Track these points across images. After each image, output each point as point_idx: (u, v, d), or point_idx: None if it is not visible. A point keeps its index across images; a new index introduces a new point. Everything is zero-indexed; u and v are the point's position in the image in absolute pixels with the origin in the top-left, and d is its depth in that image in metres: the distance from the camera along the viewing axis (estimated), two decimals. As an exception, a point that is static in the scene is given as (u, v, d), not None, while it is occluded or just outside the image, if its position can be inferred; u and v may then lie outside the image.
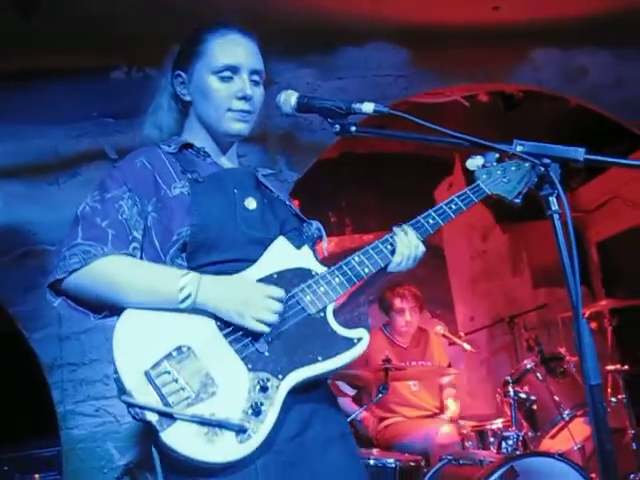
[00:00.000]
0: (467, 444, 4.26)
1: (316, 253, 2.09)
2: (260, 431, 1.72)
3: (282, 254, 1.98)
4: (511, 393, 4.18)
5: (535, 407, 4.29)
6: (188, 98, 2.12)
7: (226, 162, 2.16)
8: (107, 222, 1.90)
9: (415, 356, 5.02)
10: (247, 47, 2.10)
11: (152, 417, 1.69)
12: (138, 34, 4.31)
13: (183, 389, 1.73)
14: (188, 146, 2.10)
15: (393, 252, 2.02)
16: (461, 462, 3.85)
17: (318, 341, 1.88)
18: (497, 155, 2.13)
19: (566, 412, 4.19)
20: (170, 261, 1.91)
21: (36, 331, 4.37)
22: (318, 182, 5.67)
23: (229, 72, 2.04)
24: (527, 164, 2.06)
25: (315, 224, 2.13)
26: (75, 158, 4.55)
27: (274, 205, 2.10)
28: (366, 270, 1.98)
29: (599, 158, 1.69)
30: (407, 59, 5.13)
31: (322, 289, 1.93)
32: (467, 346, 5.27)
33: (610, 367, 4.96)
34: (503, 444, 4.01)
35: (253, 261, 1.93)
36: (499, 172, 2.12)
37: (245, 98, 2.05)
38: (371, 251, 2.01)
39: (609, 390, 4.97)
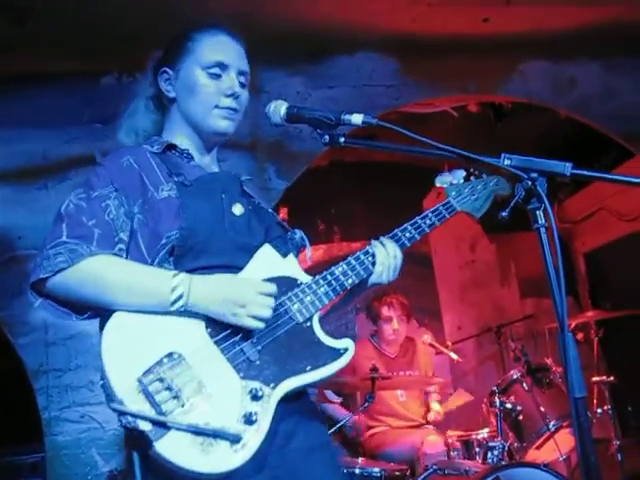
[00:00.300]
0: (453, 454, 4.26)
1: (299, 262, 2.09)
2: (254, 441, 1.70)
3: (268, 261, 1.97)
4: (497, 403, 4.20)
5: (521, 417, 4.29)
6: (173, 95, 2.10)
7: (209, 164, 2.15)
8: (94, 221, 1.85)
9: (402, 366, 5.02)
10: (236, 49, 2.11)
11: (145, 426, 1.63)
12: (129, 40, 4.30)
13: (176, 397, 1.69)
14: (172, 147, 2.07)
15: (374, 263, 2.05)
16: (446, 472, 3.85)
17: (306, 351, 1.88)
18: (464, 173, 2.26)
19: (552, 423, 4.20)
20: (158, 265, 1.87)
21: (22, 336, 4.34)
22: (307, 190, 5.67)
23: (218, 69, 2.04)
24: (492, 182, 2.25)
25: (299, 233, 2.13)
26: (64, 163, 4.53)
27: (258, 211, 2.10)
28: (349, 281, 2.01)
29: (586, 173, 1.70)
30: (398, 69, 5.15)
31: (308, 298, 1.94)
32: (454, 355, 5.28)
33: (596, 378, 4.98)
34: (489, 454, 4.02)
35: (239, 268, 1.92)
36: (467, 190, 2.24)
37: (233, 95, 2.05)
38: (354, 262, 2.03)
39: (595, 401, 4.99)
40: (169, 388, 1.69)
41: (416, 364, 5.09)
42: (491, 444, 4.05)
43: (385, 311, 5.01)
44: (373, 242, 2.09)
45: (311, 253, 2.15)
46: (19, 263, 4.34)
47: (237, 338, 1.82)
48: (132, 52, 4.36)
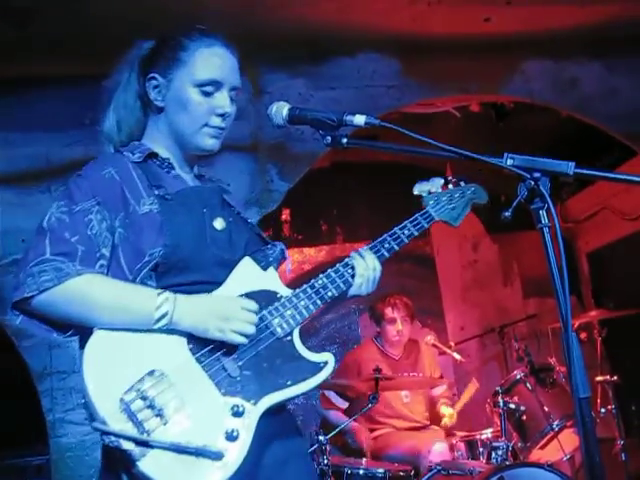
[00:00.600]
0: (456, 454, 4.26)
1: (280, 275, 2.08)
2: (236, 457, 1.71)
3: (249, 275, 1.97)
4: (501, 403, 4.19)
5: (525, 417, 4.30)
6: (161, 105, 2.05)
7: (189, 175, 2.12)
8: (76, 237, 1.82)
9: (407, 368, 5.01)
10: (231, 62, 2.06)
11: (129, 446, 1.62)
12: (130, 42, 4.30)
13: (159, 415, 1.69)
14: (153, 155, 2.04)
15: (354, 276, 2.05)
16: (450, 472, 3.85)
17: (287, 365, 1.88)
18: (442, 181, 2.28)
19: (555, 422, 4.20)
20: (140, 282, 1.85)
21: (26, 339, 4.35)
22: (309, 191, 5.68)
23: (212, 87, 2.00)
24: (470, 191, 2.30)
25: (279, 246, 2.11)
26: (67, 165, 4.53)
27: (238, 224, 2.08)
28: (329, 294, 2.00)
29: (589, 172, 1.69)
30: (399, 70, 5.15)
31: (289, 312, 1.94)
32: (457, 356, 5.26)
33: (599, 378, 4.97)
34: (492, 454, 4.01)
35: (220, 283, 1.92)
36: (445, 199, 2.25)
37: (224, 116, 2.03)
38: (333, 274, 2.03)
39: (598, 401, 4.99)
40: (151, 406, 1.69)
41: (420, 366, 5.08)
42: (495, 444, 4.04)
43: (389, 312, 4.99)
44: (352, 254, 2.09)
45: (291, 266, 2.15)
46: (22, 266, 4.33)
47: (219, 354, 1.82)
48: (134, 54, 4.40)
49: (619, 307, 5.52)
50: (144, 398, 1.69)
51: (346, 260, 2.07)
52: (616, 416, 4.84)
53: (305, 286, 1.98)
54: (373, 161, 6.59)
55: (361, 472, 3.84)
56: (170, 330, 1.81)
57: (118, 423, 1.65)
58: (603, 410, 4.74)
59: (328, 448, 3.78)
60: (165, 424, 1.69)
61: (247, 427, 1.75)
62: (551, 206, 1.61)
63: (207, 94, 2.00)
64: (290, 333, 1.93)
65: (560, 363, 4.49)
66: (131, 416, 1.67)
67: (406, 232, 2.14)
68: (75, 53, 4.40)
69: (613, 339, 5.52)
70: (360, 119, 1.85)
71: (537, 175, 1.63)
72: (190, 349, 1.81)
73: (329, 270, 2.04)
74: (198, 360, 1.81)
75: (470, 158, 1.75)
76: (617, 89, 5.43)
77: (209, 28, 2.10)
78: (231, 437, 1.72)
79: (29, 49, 4.31)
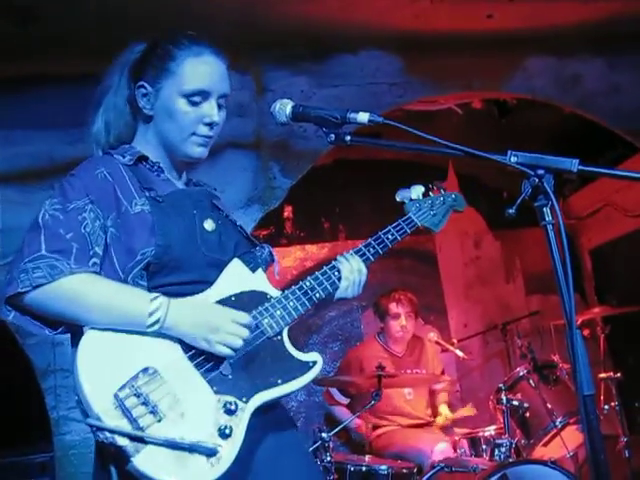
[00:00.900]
0: (459, 451, 4.26)
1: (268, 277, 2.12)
2: (229, 454, 1.74)
3: (238, 276, 2.00)
4: (504, 400, 4.19)
5: (528, 414, 4.30)
6: (150, 113, 2.07)
7: (178, 179, 2.15)
8: (71, 235, 1.84)
9: (410, 365, 5.01)
10: (219, 71, 2.08)
11: (123, 442, 1.64)
12: (131, 40, 4.30)
13: (153, 412, 1.71)
14: (143, 159, 2.06)
15: (340, 278, 2.10)
16: (454, 469, 3.85)
17: (277, 364, 1.93)
18: (424, 188, 2.36)
19: (559, 419, 4.20)
20: (132, 281, 1.87)
21: (29, 336, 4.34)
22: (312, 189, 5.67)
23: (199, 97, 2.02)
24: (450, 198, 2.38)
25: (267, 248, 2.15)
26: (69, 164, 4.46)
27: (227, 226, 2.11)
28: (317, 295, 2.05)
29: (593, 169, 1.69)
30: (401, 67, 5.14)
31: (279, 313, 1.97)
32: (460, 353, 5.27)
33: (603, 375, 4.97)
34: (496, 451, 4.01)
35: (211, 283, 1.95)
36: (426, 205, 2.33)
37: (211, 125, 2.05)
38: (321, 277, 2.08)
39: (602, 398, 4.98)
40: (145, 403, 1.71)
41: (423, 362, 5.08)
42: (498, 441, 4.05)
43: (393, 308, 4.99)
44: (338, 257, 2.15)
45: (278, 268, 2.17)
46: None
47: (210, 353, 1.85)
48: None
49: (622, 304, 5.52)
50: (138, 395, 1.71)
51: (332, 263, 2.12)
52: (619, 413, 4.84)
53: (293, 287, 2.03)
54: (376, 158, 6.58)
55: (364, 469, 3.85)
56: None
57: (113, 419, 1.67)
58: (607, 407, 4.74)
59: (331, 445, 3.78)
60: (159, 421, 1.71)
61: (239, 424, 1.79)
62: (555, 203, 1.61)
63: (195, 104, 2.03)
64: (280, 333, 1.97)
65: (563, 360, 4.50)
66: (125, 412, 1.68)
67: (390, 237, 2.22)
68: (76, 51, 4.39)
69: (616, 336, 5.52)
70: (363, 117, 1.86)
71: (541, 172, 1.63)
72: (182, 347, 1.85)
73: (316, 272, 2.09)
74: (190, 358, 1.84)
75: (474, 156, 1.75)
76: (620, 86, 5.42)
77: (195, 34, 2.10)
78: (224, 434, 1.75)
79: (30, 47, 4.31)
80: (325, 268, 2.10)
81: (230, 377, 1.84)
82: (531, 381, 4.38)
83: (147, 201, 1.94)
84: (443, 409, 5.00)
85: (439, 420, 4.87)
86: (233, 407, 1.79)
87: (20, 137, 4.57)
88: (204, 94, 2.03)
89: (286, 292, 2.02)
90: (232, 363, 1.86)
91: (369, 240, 2.21)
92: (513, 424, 4.26)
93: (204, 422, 1.76)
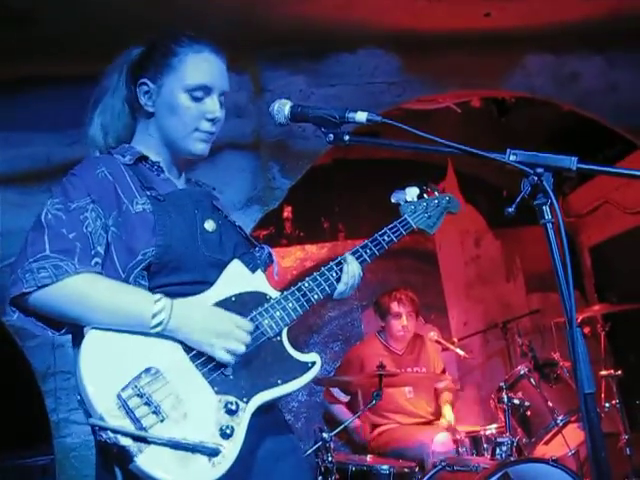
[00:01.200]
0: (461, 450, 4.26)
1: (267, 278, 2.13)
2: (230, 453, 1.74)
3: (238, 277, 2.01)
4: (505, 399, 4.19)
5: (529, 413, 4.29)
6: (152, 110, 2.07)
7: (178, 178, 2.15)
8: (74, 234, 1.84)
9: (410, 363, 5.01)
10: (220, 67, 2.09)
11: (126, 441, 1.64)
12: (132, 42, 4.30)
13: (155, 412, 1.71)
14: (143, 159, 2.06)
15: (338, 280, 2.12)
16: (455, 468, 3.84)
17: (277, 365, 1.94)
18: (418, 190, 2.39)
19: (560, 418, 4.19)
20: (133, 281, 1.87)
21: (29, 339, 4.35)
22: (311, 189, 5.67)
23: (201, 92, 2.03)
24: (445, 201, 2.42)
25: (267, 249, 2.15)
26: (68, 165, 4.47)
27: (227, 227, 2.11)
28: (315, 297, 2.06)
29: (592, 167, 1.69)
30: (400, 66, 5.14)
31: (278, 313, 1.98)
32: (461, 352, 5.27)
33: (603, 372, 4.97)
34: (497, 450, 4.00)
35: (211, 283, 1.96)
36: (421, 207, 2.37)
37: (214, 120, 2.06)
38: (319, 278, 2.09)
39: (602, 395, 4.98)
40: (148, 403, 1.71)
41: (424, 361, 5.08)
42: (499, 440, 4.03)
43: (395, 307, 4.99)
44: (342, 263, 2.15)
45: (278, 269, 2.18)
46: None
47: None
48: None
49: (622, 301, 5.52)
50: (141, 395, 1.71)
51: (331, 264, 2.14)
52: (620, 410, 4.83)
53: (293, 289, 2.04)
54: (375, 158, 6.58)
55: (365, 469, 3.85)
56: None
57: (116, 419, 1.67)
58: (607, 405, 4.73)
59: (332, 445, 3.78)
60: (162, 421, 1.71)
61: (240, 424, 1.80)
62: (555, 202, 1.61)
63: (197, 99, 2.03)
64: (279, 333, 1.98)
65: (564, 358, 4.49)
66: (129, 412, 1.69)
67: (386, 238, 2.25)
68: (74, 53, 4.39)
69: (616, 333, 5.52)
70: (362, 116, 1.86)
71: (540, 171, 1.63)
72: (184, 348, 1.85)
73: (315, 273, 2.10)
74: (192, 359, 1.84)
75: (473, 154, 1.74)
76: (618, 83, 5.42)
77: (195, 33, 2.11)
78: (225, 434, 1.76)
79: (29, 49, 4.31)
80: (323, 269, 2.12)
81: (231, 377, 1.85)
82: (532, 379, 4.38)
83: (148, 200, 1.94)
84: (447, 410, 4.98)
85: (442, 422, 4.86)
86: (234, 407, 1.80)
87: (18, 139, 4.57)
88: (206, 89, 2.03)
89: (285, 293, 2.02)
90: (233, 364, 1.86)
91: (366, 242, 2.23)
92: (514, 423, 4.26)
93: (206, 422, 1.76)
